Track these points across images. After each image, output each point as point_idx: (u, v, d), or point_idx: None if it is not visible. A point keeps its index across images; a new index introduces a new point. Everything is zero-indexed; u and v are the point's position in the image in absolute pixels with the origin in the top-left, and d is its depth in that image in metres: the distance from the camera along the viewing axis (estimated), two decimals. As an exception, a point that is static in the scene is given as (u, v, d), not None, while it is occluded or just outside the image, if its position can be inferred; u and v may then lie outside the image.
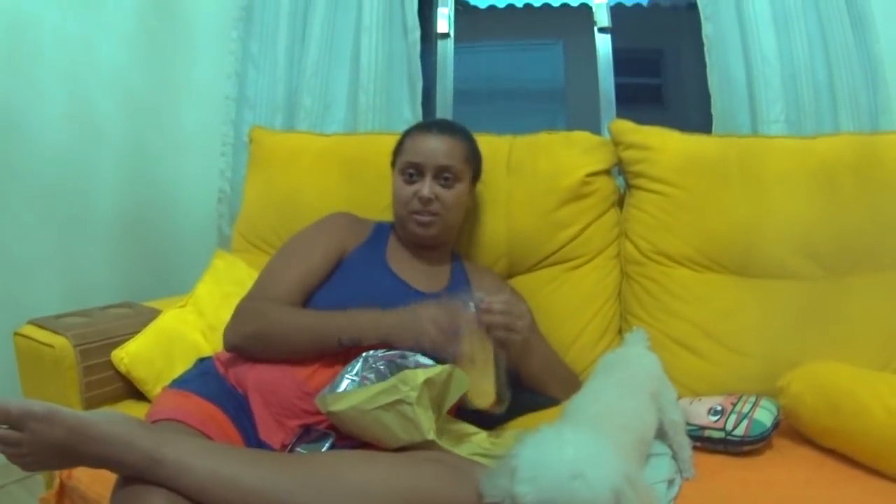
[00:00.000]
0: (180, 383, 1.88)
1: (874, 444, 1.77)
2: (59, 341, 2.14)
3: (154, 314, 2.37)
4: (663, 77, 7.12)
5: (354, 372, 1.71)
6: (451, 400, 1.70)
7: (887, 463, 1.74)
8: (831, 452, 1.89)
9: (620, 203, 2.58)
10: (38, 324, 2.25)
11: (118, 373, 2.20)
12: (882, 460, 1.76)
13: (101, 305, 2.47)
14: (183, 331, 2.32)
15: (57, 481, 1.84)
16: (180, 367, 2.08)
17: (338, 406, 1.61)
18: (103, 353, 2.19)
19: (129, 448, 1.34)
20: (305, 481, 1.38)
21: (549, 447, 1.29)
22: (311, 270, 2.07)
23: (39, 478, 2.14)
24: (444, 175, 2.13)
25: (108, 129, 3.43)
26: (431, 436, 1.55)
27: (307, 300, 2.04)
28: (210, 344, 2.27)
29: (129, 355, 2.19)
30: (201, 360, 2.06)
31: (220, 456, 1.42)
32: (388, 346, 1.80)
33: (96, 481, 1.72)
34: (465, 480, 1.41)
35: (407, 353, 1.77)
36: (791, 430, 2.01)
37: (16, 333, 2.24)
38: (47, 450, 1.35)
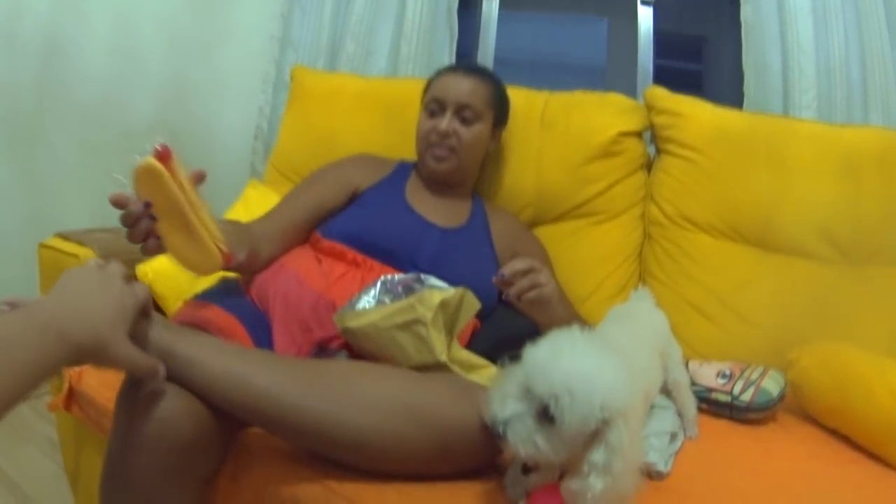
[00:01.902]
0: (202, 297, 1.91)
1: (877, 428, 1.78)
2: (84, 252, 2.14)
3: (181, 240, 2.34)
4: (704, 63, 7.05)
5: (371, 295, 1.72)
6: (462, 323, 1.71)
7: (888, 448, 1.75)
8: (835, 434, 1.90)
9: (649, 168, 2.60)
10: (64, 236, 2.27)
11: (141, 287, 2.17)
12: (883, 445, 1.77)
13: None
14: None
15: (66, 385, 1.84)
16: (202, 287, 2.06)
17: (355, 322, 1.62)
18: (127, 266, 2.17)
19: (144, 340, 1.33)
20: (315, 386, 1.39)
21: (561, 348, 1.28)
22: (319, 201, 2.15)
23: (48, 398, 2.15)
24: (463, 113, 2.19)
25: (149, 61, 3.49)
26: (443, 358, 1.57)
27: (316, 226, 2.13)
28: (235, 269, 2.26)
29: (154, 270, 2.19)
30: (225, 279, 2.07)
31: (233, 355, 1.41)
32: None
33: (105, 386, 1.73)
34: (471, 401, 1.43)
35: (423, 276, 1.79)
36: (797, 408, 2.02)
37: (41, 245, 2.25)
38: None
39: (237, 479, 1.51)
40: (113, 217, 1.42)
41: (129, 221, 1.41)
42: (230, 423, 1.42)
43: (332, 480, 1.42)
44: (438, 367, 1.58)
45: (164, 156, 1.37)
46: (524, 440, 1.23)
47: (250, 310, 1.84)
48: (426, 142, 2.23)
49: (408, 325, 1.58)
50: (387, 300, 1.70)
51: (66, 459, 2.15)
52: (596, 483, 1.20)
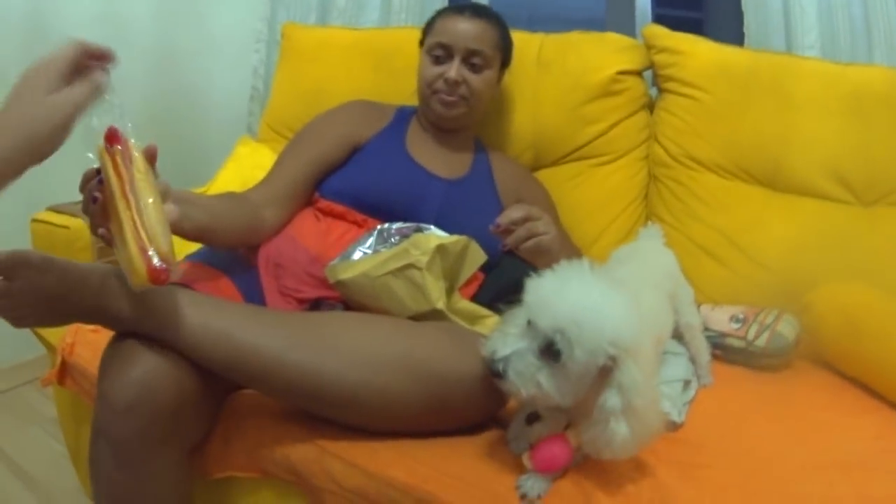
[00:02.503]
0: (193, 256, 1.85)
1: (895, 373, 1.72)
2: (75, 223, 2.10)
3: (176, 208, 2.30)
4: (705, 11, 6.99)
5: (367, 245, 1.68)
6: (466, 274, 1.67)
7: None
8: (853, 382, 1.85)
9: (651, 109, 2.53)
10: (56, 209, 2.23)
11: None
12: (902, 392, 1.72)
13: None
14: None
15: (58, 359, 1.80)
16: (193, 249, 1.97)
17: (347, 274, 1.57)
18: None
19: (123, 300, 1.29)
20: (300, 339, 1.34)
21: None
22: (320, 158, 2.03)
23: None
24: (472, 59, 2.06)
25: (138, 30, 3.41)
26: (440, 305, 1.51)
27: (317, 186, 2.02)
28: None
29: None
30: None
31: (213, 309, 1.36)
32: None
33: (98, 357, 1.68)
34: (470, 351, 1.36)
35: (423, 225, 1.73)
36: (813, 355, 1.98)
37: (33, 219, 2.22)
38: (39, 300, 1.29)
39: (229, 441, 1.48)
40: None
41: (83, 203, 1.28)
42: (218, 384, 1.39)
43: (325, 440, 1.40)
44: (436, 317, 1.53)
45: (110, 139, 1.21)
46: (525, 379, 1.17)
47: (243, 269, 1.78)
48: (431, 88, 2.09)
49: (401, 271, 1.53)
50: (382, 250, 1.64)
51: (67, 436, 2.12)
52: (619, 427, 1.15)
